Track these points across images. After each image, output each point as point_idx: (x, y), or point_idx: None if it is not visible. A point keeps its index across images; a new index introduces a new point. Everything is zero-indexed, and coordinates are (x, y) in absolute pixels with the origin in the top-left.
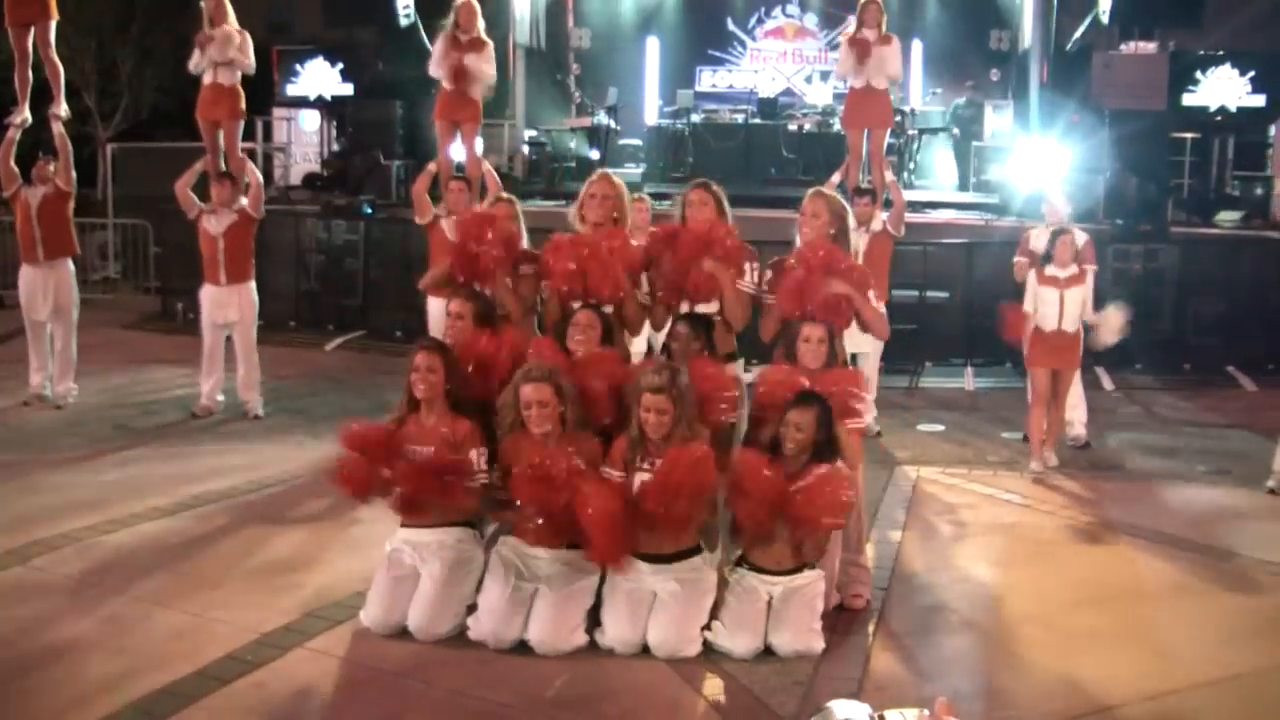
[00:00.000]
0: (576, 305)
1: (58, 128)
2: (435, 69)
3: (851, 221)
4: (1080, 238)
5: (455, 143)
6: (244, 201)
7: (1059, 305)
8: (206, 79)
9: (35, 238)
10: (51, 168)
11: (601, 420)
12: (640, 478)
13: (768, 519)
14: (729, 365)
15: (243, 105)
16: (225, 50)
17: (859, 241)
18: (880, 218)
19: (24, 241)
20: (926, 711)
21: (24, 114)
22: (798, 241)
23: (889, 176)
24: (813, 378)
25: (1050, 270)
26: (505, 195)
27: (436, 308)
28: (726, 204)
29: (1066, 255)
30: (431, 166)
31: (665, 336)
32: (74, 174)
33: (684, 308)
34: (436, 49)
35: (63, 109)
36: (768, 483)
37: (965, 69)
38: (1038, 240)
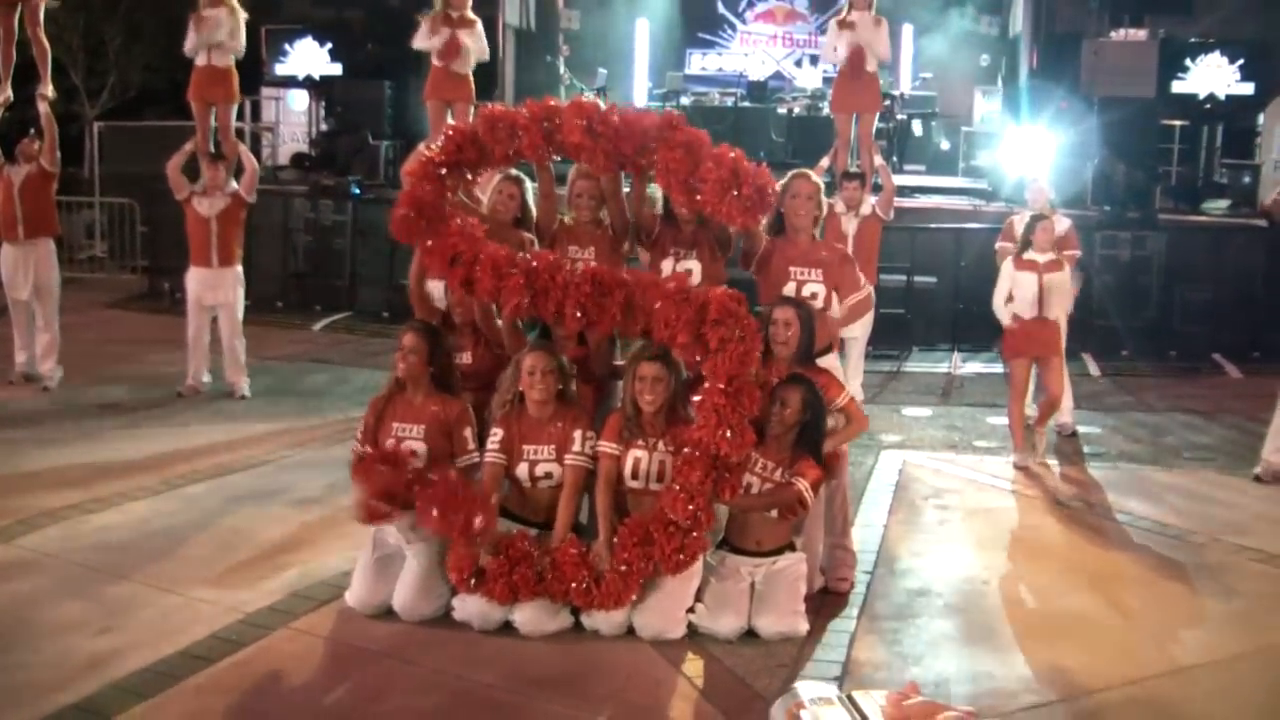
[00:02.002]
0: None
1: (44, 108)
2: (422, 43)
3: (841, 206)
4: (1063, 224)
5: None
6: (235, 185)
7: (1037, 291)
8: (201, 60)
9: (16, 216)
10: (36, 146)
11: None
12: (634, 454)
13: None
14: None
15: (237, 87)
16: (215, 34)
17: (849, 225)
18: (869, 202)
19: (5, 220)
20: (893, 692)
21: (5, 92)
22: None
23: (878, 160)
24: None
25: (1029, 255)
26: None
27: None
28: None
29: (1046, 241)
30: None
31: None
32: (59, 154)
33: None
34: (424, 25)
35: (49, 89)
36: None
37: (955, 54)
38: (1021, 226)
